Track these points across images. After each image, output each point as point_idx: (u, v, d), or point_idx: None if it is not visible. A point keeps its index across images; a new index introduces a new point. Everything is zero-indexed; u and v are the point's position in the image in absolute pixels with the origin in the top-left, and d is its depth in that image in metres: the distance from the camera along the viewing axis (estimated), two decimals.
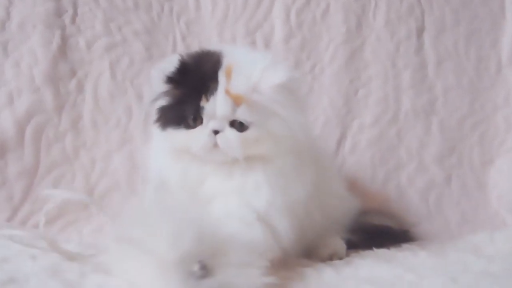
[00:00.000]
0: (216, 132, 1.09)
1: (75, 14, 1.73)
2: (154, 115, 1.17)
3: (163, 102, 1.14)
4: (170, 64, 1.12)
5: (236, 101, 1.08)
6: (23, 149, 1.58)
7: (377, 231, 1.53)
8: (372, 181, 1.82)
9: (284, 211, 1.15)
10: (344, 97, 1.88)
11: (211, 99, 1.08)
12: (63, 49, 1.69)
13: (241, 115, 1.08)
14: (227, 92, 1.08)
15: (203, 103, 1.09)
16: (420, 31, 1.97)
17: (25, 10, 1.67)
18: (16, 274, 0.97)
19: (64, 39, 1.70)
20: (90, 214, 1.60)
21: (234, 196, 1.13)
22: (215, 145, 1.09)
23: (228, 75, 1.09)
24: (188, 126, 1.11)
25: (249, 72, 1.09)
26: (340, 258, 1.36)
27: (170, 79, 1.12)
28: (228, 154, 1.10)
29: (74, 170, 1.63)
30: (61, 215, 1.57)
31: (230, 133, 1.09)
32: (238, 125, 1.09)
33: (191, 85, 1.11)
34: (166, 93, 1.14)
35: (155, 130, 1.17)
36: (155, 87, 1.16)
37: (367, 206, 1.62)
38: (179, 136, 1.12)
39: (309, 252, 1.37)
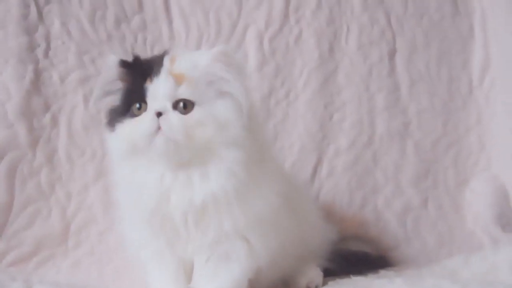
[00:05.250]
0: (159, 114, 1.07)
1: (48, 48, 1.73)
2: (105, 119, 1.19)
3: (112, 102, 1.16)
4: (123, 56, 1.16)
5: (178, 79, 1.08)
6: None
7: (354, 258, 1.54)
8: (349, 205, 1.83)
9: (255, 224, 1.14)
10: (319, 122, 1.89)
11: (155, 79, 1.09)
12: (36, 83, 1.69)
13: (183, 93, 1.08)
14: (170, 72, 1.09)
15: (147, 84, 1.10)
16: (392, 54, 1.99)
17: None
18: None
19: (37, 73, 1.69)
20: (67, 249, 1.60)
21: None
22: (159, 129, 1.07)
23: (173, 60, 1.12)
24: (133, 115, 1.11)
25: (191, 56, 1.13)
26: (317, 287, 1.37)
27: (122, 64, 1.15)
28: (172, 141, 1.06)
29: (50, 205, 1.63)
30: (37, 251, 1.56)
31: (173, 115, 1.08)
32: (182, 108, 1.08)
33: (139, 72, 1.13)
34: (115, 85, 1.16)
35: (108, 137, 1.17)
36: (105, 78, 1.18)
37: (345, 232, 1.63)
38: (125, 129, 1.11)
39: (285, 282, 1.37)
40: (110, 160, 1.24)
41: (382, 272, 1.48)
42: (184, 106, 1.08)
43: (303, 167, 1.83)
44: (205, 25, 1.89)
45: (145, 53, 1.81)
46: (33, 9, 1.72)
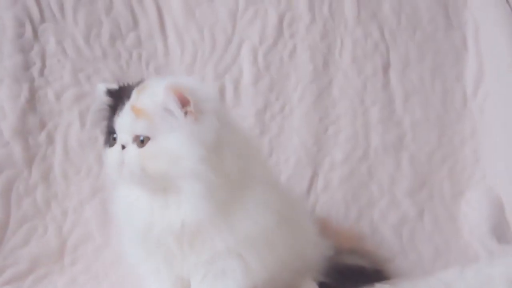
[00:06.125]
0: (123, 147, 1.10)
1: (43, 66, 1.74)
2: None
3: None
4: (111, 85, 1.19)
5: (137, 114, 1.09)
6: None
7: (350, 272, 1.53)
8: (345, 219, 1.83)
9: (248, 242, 1.15)
10: (314, 136, 1.90)
11: (120, 113, 1.11)
12: (32, 101, 1.69)
13: (139, 128, 1.09)
14: (133, 106, 1.10)
15: (115, 117, 1.12)
16: (386, 67, 2.00)
17: None
18: None
19: (32, 92, 1.70)
20: (63, 266, 1.60)
21: None
22: (123, 162, 1.09)
23: (140, 92, 1.12)
24: (110, 145, 1.13)
25: (154, 89, 1.11)
26: None
27: (108, 93, 1.17)
28: (131, 172, 1.08)
29: (45, 222, 1.63)
30: (33, 269, 1.57)
31: (131, 148, 1.09)
32: (139, 142, 1.09)
33: (115, 103, 1.14)
34: (105, 112, 1.17)
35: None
36: (95, 106, 1.20)
37: (340, 246, 1.63)
38: (106, 158, 1.14)
39: None
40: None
41: (378, 285, 1.48)
42: (142, 140, 1.09)
43: (299, 181, 1.84)
44: (200, 41, 1.91)
45: (140, 70, 1.83)
46: (28, 27, 1.73)
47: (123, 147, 1.10)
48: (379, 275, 1.60)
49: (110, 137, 1.13)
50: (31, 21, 1.74)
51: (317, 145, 1.89)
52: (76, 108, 1.73)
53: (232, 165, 1.12)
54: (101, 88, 1.19)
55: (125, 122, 1.10)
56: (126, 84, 1.20)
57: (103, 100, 1.18)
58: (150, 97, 1.10)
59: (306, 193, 1.84)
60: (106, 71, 1.79)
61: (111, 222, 1.64)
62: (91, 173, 1.70)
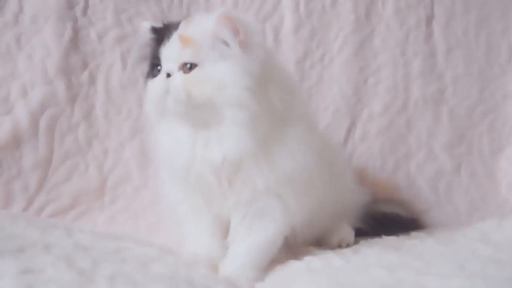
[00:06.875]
0: (168, 75, 1.11)
1: (86, 6, 1.75)
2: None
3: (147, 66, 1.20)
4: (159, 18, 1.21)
5: (184, 42, 1.10)
6: (37, 141, 1.60)
7: (386, 219, 1.54)
8: (381, 170, 1.83)
9: (288, 182, 1.15)
10: (354, 86, 1.89)
11: (167, 43, 1.13)
12: (75, 41, 1.71)
13: (187, 56, 1.10)
14: (181, 35, 1.11)
15: (162, 48, 1.13)
16: (430, 19, 1.97)
17: (37, 3, 1.69)
18: (32, 264, 0.99)
19: (75, 31, 1.72)
20: (103, 204, 1.64)
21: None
22: (168, 91, 1.10)
23: (188, 23, 1.14)
24: (154, 76, 1.15)
25: (202, 19, 1.13)
26: (348, 245, 1.38)
27: (153, 30, 1.19)
28: (178, 101, 1.09)
29: (87, 160, 1.66)
30: (74, 205, 1.60)
31: (177, 75, 1.10)
32: (186, 69, 1.10)
33: (160, 37, 1.16)
34: (148, 50, 1.19)
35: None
36: (138, 44, 1.22)
37: (377, 195, 1.64)
38: (148, 90, 1.16)
39: (317, 239, 1.39)
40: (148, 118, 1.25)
41: (414, 233, 1.48)
42: (190, 67, 1.10)
43: (336, 130, 1.84)
44: None
45: (181, 14, 1.82)
46: None
47: (168, 75, 1.11)
48: (415, 223, 1.60)
49: (155, 69, 1.14)
50: None
51: (356, 95, 1.88)
52: (118, 49, 1.74)
53: (277, 99, 1.13)
54: (146, 26, 1.21)
55: (172, 51, 1.11)
56: (171, 21, 1.20)
57: (147, 37, 1.19)
58: (199, 26, 1.11)
59: (343, 142, 1.84)
60: (148, 13, 1.79)
61: (150, 164, 1.67)
62: (132, 115, 1.72)
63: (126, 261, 1.11)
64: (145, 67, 1.21)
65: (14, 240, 1.09)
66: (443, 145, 1.87)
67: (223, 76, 1.08)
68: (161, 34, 1.16)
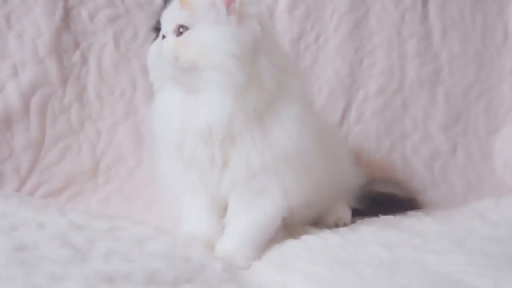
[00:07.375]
0: (163, 38, 1.12)
1: None
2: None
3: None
4: None
5: (182, 4, 1.11)
6: (28, 121, 1.57)
7: (383, 199, 1.54)
8: (377, 151, 1.82)
9: (284, 160, 1.14)
10: (349, 67, 1.87)
11: (168, 6, 1.14)
12: (66, 20, 1.67)
13: (181, 17, 1.10)
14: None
15: (163, 11, 1.14)
16: (425, 0, 1.95)
17: None
18: (25, 241, 0.97)
19: (66, 10, 1.68)
20: (96, 185, 1.62)
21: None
22: (160, 53, 1.11)
23: None
24: (155, 38, 1.16)
25: None
26: (345, 224, 1.38)
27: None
28: (166, 62, 1.10)
29: (79, 141, 1.63)
30: (67, 186, 1.58)
31: (170, 37, 1.11)
32: (178, 32, 1.11)
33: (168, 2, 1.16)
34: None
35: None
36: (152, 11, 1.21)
37: (373, 175, 1.63)
38: (150, 48, 1.16)
39: (314, 219, 1.38)
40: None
41: (411, 213, 1.48)
42: (182, 31, 1.10)
43: (331, 112, 1.82)
44: None
45: None
46: None
47: (164, 37, 1.12)
48: (412, 203, 1.60)
49: (156, 34, 1.15)
50: None
51: (351, 76, 1.87)
52: (110, 29, 1.71)
53: (267, 73, 1.12)
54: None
55: (170, 13, 1.12)
56: None
57: (159, 6, 1.18)
58: None
59: (338, 124, 1.83)
60: None
61: (143, 145, 1.65)
62: (125, 95, 1.69)
63: (121, 239, 1.09)
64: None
65: (6, 218, 1.07)
66: (439, 125, 1.87)
67: (210, 40, 1.08)
68: (168, 1, 1.16)
